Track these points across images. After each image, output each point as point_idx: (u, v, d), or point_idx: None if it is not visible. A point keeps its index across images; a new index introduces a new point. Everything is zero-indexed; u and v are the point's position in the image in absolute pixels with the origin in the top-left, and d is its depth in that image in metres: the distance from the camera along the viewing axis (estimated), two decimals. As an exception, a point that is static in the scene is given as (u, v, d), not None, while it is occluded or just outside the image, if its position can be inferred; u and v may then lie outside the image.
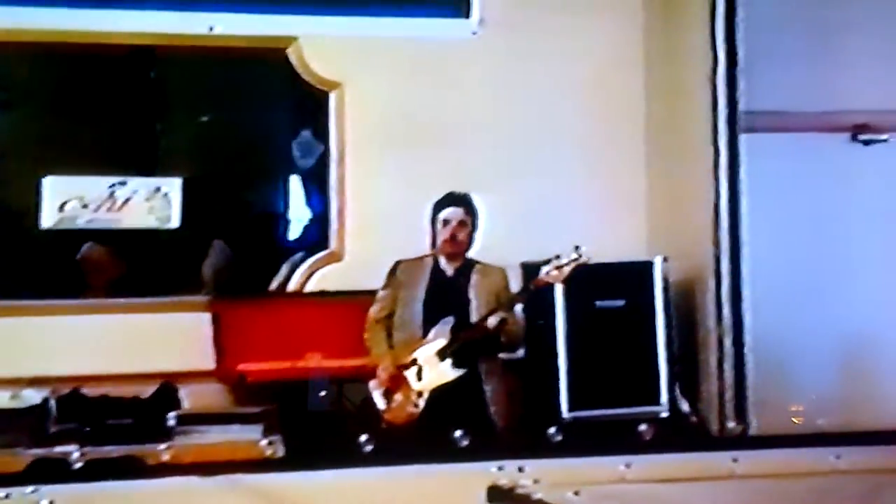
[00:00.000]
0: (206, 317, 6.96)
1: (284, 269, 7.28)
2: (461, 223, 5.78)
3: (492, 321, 5.59)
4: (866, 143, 7.06)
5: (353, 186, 7.25)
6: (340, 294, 6.98)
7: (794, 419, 6.57)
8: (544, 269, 5.67)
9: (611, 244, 6.71)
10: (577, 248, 5.62)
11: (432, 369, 5.63)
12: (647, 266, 6.80)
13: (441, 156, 7.15)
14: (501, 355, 5.91)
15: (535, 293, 5.89)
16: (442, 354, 5.65)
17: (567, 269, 5.64)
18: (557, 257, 5.67)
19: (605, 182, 7.41)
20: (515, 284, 6.19)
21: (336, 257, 7.29)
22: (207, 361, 6.86)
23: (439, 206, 5.83)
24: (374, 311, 5.92)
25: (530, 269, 6.42)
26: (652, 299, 6.75)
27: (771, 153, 6.78)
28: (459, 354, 5.66)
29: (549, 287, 6.04)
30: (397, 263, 5.91)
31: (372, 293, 6.05)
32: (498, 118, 7.36)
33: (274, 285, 7.32)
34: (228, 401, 6.81)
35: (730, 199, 6.61)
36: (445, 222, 5.76)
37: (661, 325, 6.74)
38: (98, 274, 7.42)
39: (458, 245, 5.79)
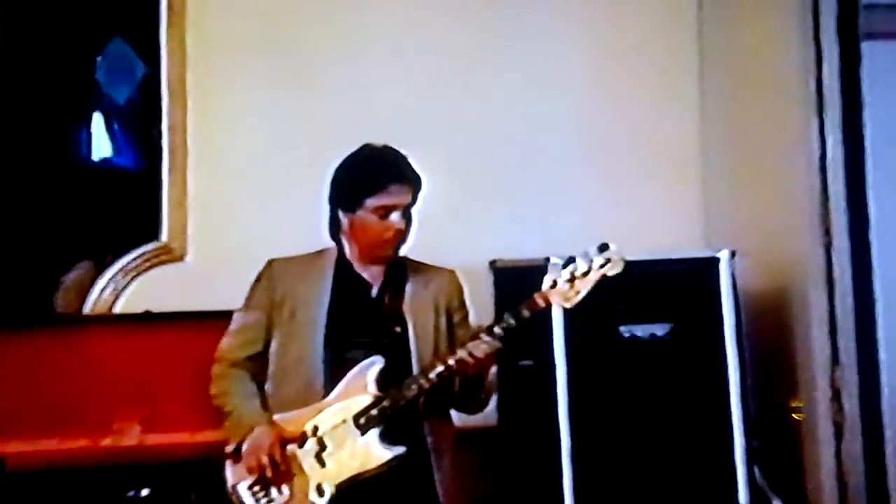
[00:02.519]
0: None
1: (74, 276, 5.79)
2: (406, 210, 4.28)
3: (461, 355, 3.94)
4: None
5: (200, 136, 5.76)
6: (178, 317, 5.52)
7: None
8: (549, 280, 4.05)
9: (643, 231, 5.40)
10: (603, 247, 4.07)
11: (345, 447, 4.09)
12: (706, 266, 5.02)
13: (348, 92, 5.75)
14: (455, 416, 4.34)
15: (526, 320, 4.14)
16: (364, 421, 4.07)
17: (588, 283, 4.05)
18: (570, 261, 4.10)
19: (629, 135, 5.93)
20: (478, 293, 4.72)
21: (171, 254, 5.82)
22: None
23: (370, 180, 4.25)
24: (229, 345, 4.35)
25: (507, 275, 5.17)
26: (716, 322, 4.97)
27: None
28: (394, 421, 4.09)
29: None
30: (270, 265, 4.37)
31: (228, 315, 4.47)
32: (449, 34, 5.89)
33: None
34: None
35: (846, 149, 4.84)
36: (386, 211, 4.21)
37: (732, 367, 4.86)
38: None
39: (399, 244, 4.33)
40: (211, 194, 5.84)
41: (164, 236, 5.88)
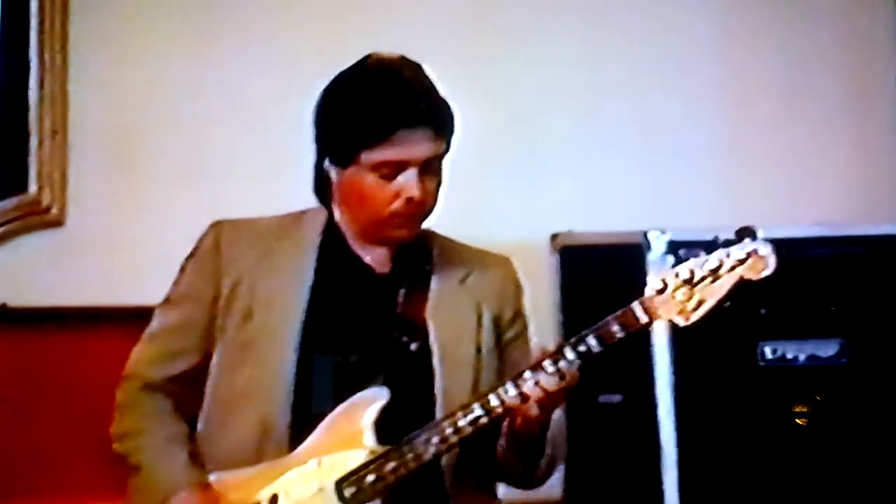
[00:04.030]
0: None
1: None
2: (428, 166, 2.93)
3: (510, 393, 2.74)
4: None
5: (92, 24, 4.07)
6: (54, 315, 4.08)
7: None
8: (655, 282, 2.82)
9: (798, 198, 4.24)
10: (743, 233, 2.87)
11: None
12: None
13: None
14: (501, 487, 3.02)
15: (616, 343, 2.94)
16: (353, 492, 2.84)
17: (718, 291, 2.86)
18: (685, 248, 3.49)
19: (780, 60, 4.51)
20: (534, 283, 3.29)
21: (43, 215, 4.25)
22: None
23: (365, 122, 2.93)
24: (143, 356, 3.02)
25: (580, 256, 4.06)
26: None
27: None
28: (401, 494, 2.86)
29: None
30: (217, 230, 3.06)
31: (142, 313, 3.03)
32: None
33: None
34: None
35: None
36: (392, 169, 2.94)
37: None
38: None
39: (415, 220, 3.03)
40: (109, 120, 4.22)
41: (31, 186, 4.35)
